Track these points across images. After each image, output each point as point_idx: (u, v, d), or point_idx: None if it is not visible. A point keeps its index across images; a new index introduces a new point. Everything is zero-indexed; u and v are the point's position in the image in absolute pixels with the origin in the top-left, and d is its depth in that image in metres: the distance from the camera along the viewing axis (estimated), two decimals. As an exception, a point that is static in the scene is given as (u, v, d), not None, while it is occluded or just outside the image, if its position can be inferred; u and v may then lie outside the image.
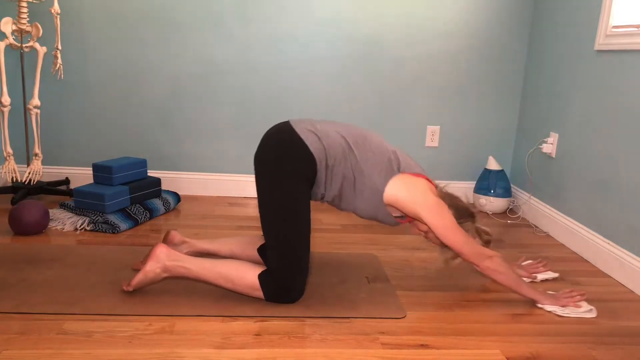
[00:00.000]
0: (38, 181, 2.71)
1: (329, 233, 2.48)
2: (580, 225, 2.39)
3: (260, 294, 1.67)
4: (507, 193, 2.92)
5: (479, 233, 1.83)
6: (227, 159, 3.00)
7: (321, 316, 1.65)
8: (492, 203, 2.90)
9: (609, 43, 2.22)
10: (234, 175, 3.03)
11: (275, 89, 2.93)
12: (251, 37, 2.85)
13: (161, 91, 2.89)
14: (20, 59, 2.71)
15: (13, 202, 2.54)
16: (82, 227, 2.33)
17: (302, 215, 1.65)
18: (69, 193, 2.70)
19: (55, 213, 2.42)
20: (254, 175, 2.67)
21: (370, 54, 2.92)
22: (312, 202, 2.98)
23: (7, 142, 2.60)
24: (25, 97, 2.68)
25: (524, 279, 1.98)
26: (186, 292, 1.75)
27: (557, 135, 2.63)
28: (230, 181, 3.03)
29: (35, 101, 2.63)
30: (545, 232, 2.65)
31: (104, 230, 2.32)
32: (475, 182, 3.07)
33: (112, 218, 2.34)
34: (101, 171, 2.49)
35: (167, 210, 2.67)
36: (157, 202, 2.61)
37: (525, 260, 2.15)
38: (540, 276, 2.04)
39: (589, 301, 1.87)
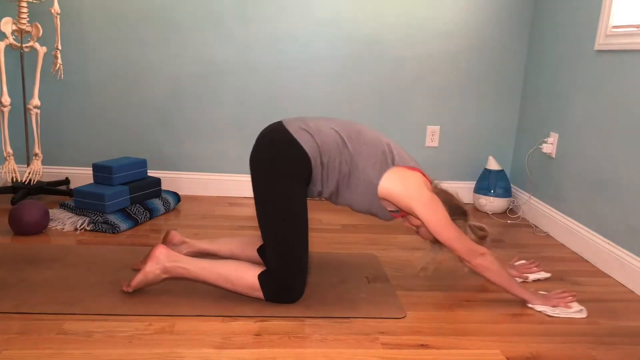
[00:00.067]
0: (38, 181, 2.71)
1: (329, 233, 2.48)
2: (580, 225, 2.39)
3: (260, 294, 1.67)
4: (507, 193, 2.92)
5: (472, 230, 1.82)
6: (227, 159, 3.00)
7: (321, 316, 1.65)
8: (492, 203, 2.90)
9: (609, 43, 2.22)
10: (234, 175, 3.03)
11: (275, 89, 2.93)
12: (251, 37, 2.85)
13: (161, 91, 2.89)
14: (20, 59, 2.71)
15: (13, 202, 2.54)
16: (82, 227, 2.33)
17: (299, 215, 1.65)
18: (69, 193, 2.70)
19: (55, 213, 2.42)
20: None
21: (370, 54, 2.92)
22: (311, 202, 2.98)
23: (7, 142, 2.60)
24: (25, 97, 2.68)
25: (516, 278, 1.97)
26: (186, 292, 1.75)
27: (557, 135, 2.63)
28: (230, 181, 3.03)
29: (35, 101, 2.63)
30: (545, 232, 2.65)
31: (104, 230, 2.32)
32: (475, 182, 3.07)
33: (112, 218, 2.34)
34: (101, 171, 2.50)
35: (167, 210, 2.67)
36: (157, 202, 2.61)
37: (518, 260, 2.15)
38: (532, 276, 2.04)
39: (588, 301, 1.87)
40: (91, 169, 2.89)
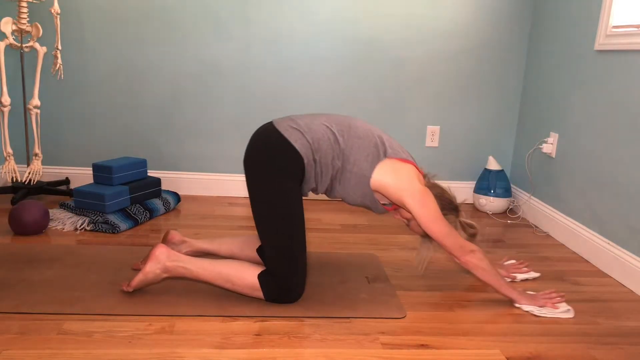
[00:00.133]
0: (38, 181, 2.71)
1: (329, 233, 2.48)
2: (580, 225, 2.39)
3: (260, 294, 1.67)
4: (507, 193, 2.92)
5: (462, 227, 1.82)
6: (227, 159, 3.00)
7: (321, 316, 1.65)
8: (492, 203, 2.90)
9: (609, 43, 2.22)
10: (234, 175, 3.03)
11: (275, 89, 2.93)
12: (251, 37, 2.85)
13: (161, 91, 2.89)
14: (20, 59, 2.71)
15: (13, 202, 2.54)
16: (82, 227, 2.33)
17: (295, 214, 1.65)
18: (69, 193, 2.70)
19: (55, 213, 2.42)
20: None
21: (371, 54, 2.92)
22: (311, 202, 2.98)
23: (7, 142, 2.60)
24: (25, 97, 2.68)
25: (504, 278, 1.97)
26: (186, 292, 1.75)
27: (557, 135, 2.63)
28: (230, 181, 3.03)
29: (35, 101, 2.63)
30: (545, 232, 2.65)
31: (104, 230, 2.32)
32: (475, 182, 3.07)
33: (112, 218, 2.34)
34: (101, 171, 2.50)
35: (167, 210, 2.67)
36: (157, 202, 2.61)
37: (508, 260, 2.15)
38: (521, 276, 2.04)
39: (588, 301, 1.87)
40: (91, 169, 2.90)
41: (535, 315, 1.73)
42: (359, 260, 2.14)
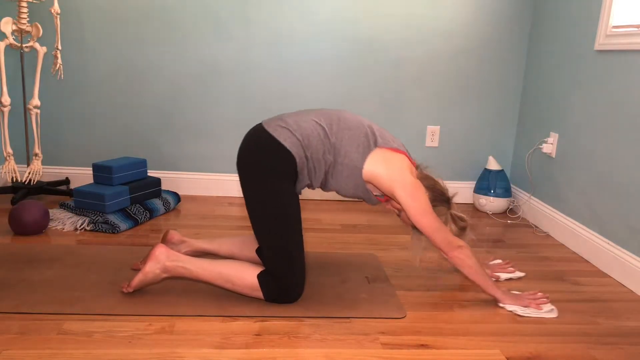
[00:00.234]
0: (38, 181, 2.71)
1: (329, 233, 2.48)
2: (580, 225, 2.39)
3: (259, 294, 1.67)
4: (507, 193, 2.92)
5: (453, 219, 1.81)
6: (227, 159, 3.00)
7: (321, 316, 1.65)
8: (492, 203, 2.90)
9: (609, 43, 2.22)
10: (234, 176, 3.03)
11: (275, 90, 2.93)
12: (251, 37, 2.85)
13: (161, 91, 2.89)
14: (20, 59, 2.71)
15: (13, 202, 2.54)
16: (82, 227, 2.33)
17: (290, 214, 1.65)
18: (69, 193, 2.70)
19: (55, 213, 2.42)
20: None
21: (370, 54, 2.92)
22: (311, 202, 2.98)
23: (7, 142, 2.60)
24: (25, 97, 2.68)
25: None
26: (186, 292, 1.75)
27: (557, 135, 2.63)
28: (230, 181, 3.03)
29: (35, 101, 2.63)
30: (545, 232, 2.65)
31: (104, 230, 2.32)
32: (475, 182, 3.07)
33: (112, 218, 2.34)
34: (101, 171, 2.50)
35: (167, 210, 2.67)
36: (157, 202, 2.61)
37: (494, 260, 2.16)
38: (504, 275, 2.04)
39: (588, 301, 1.87)
40: (91, 169, 2.90)
41: (519, 315, 1.73)
42: (359, 260, 2.14)
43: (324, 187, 1.78)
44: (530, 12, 2.93)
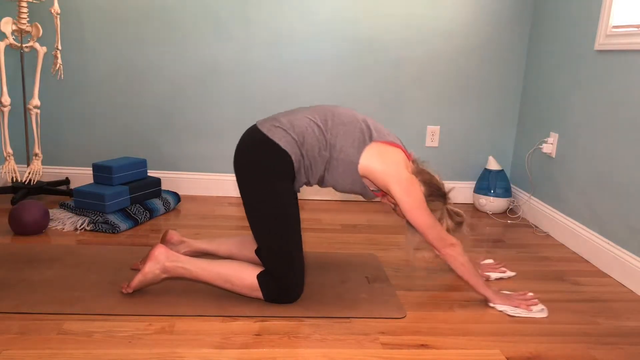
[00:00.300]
0: (38, 181, 2.71)
1: (329, 233, 2.48)
2: (580, 225, 2.39)
3: (259, 294, 1.67)
4: (507, 193, 2.92)
5: (449, 214, 1.80)
6: (227, 159, 3.00)
7: (321, 316, 1.65)
8: (492, 203, 2.90)
9: (609, 43, 2.22)
10: (234, 176, 3.02)
11: (275, 90, 2.93)
12: (251, 37, 2.85)
13: (161, 91, 2.89)
14: (20, 59, 2.71)
15: (13, 202, 2.54)
16: (82, 227, 2.33)
17: (288, 214, 1.65)
18: (69, 193, 2.70)
19: (55, 213, 2.42)
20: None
21: (370, 54, 2.92)
22: (311, 202, 2.98)
23: (7, 142, 2.60)
24: (25, 97, 2.68)
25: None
26: (186, 292, 1.75)
27: (557, 135, 2.63)
28: (230, 181, 3.02)
29: (35, 101, 2.63)
30: (545, 232, 2.65)
31: (104, 230, 2.32)
32: (475, 182, 3.07)
33: (112, 218, 2.34)
34: (101, 171, 2.50)
35: (167, 210, 2.67)
36: (157, 202, 2.61)
37: (485, 260, 2.16)
38: (494, 275, 2.04)
39: (588, 301, 1.87)
40: (91, 169, 2.90)
41: (509, 315, 1.73)
42: (359, 260, 2.14)
43: (321, 183, 1.77)
44: (530, 12, 2.93)
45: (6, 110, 2.57)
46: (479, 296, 1.85)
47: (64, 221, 2.36)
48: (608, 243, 2.18)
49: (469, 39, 2.94)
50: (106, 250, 2.09)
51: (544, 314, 1.75)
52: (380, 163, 1.67)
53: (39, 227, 2.24)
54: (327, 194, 3.08)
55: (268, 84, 2.91)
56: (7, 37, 2.53)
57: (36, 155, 2.68)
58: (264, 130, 1.67)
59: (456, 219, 1.81)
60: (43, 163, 2.90)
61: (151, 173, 2.97)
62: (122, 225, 2.34)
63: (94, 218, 2.34)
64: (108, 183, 2.48)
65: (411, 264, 2.13)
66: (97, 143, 2.94)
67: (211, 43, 2.84)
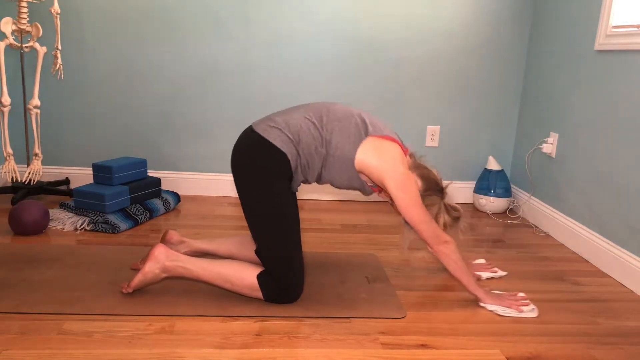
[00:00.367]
0: (38, 181, 2.71)
1: (329, 233, 2.48)
2: (580, 225, 2.39)
3: (259, 294, 1.67)
4: (507, 193, 2.92)
5: (446, 209, 1.80)
6: (227, 159, 3.00)
7: (321, 316, 1.65)
8: (492, 203, 2.90)
9: (609, 43, 2.22)
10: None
11: (275, 90, 2.93)
12: (251, 37, 2.85)
13: (161, 91, 2.89)
14: (20, 59, 2.71)
15: (13, 202, 2.54)
16: (82, 227, 2.33)
17: (287, 214, 1.65)
18: (69, 193, 2.70)
19: (55, 213, 2.42)
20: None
21: (370, 54, 2.92)
22: (311, 202, 2.98)
23: (7, 142, 2.60)
24: (25, 97, 2.68)
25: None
26: (186, 292, 1.75)
27: (557, 135, 2.63)
28: (230, 181, 3.02)
29: (35, 101, 2.63)
30: (545, 232, 2.65)
31: (104, 230, 2.32)
32: (475, 182, 3.07)
33: (112, 218, 2.34)
34: (101, 171, 2.50)
35: (167, 210, 2.67)
36: (157, 202, 2.61)
37: (477, 259, 2.16)
38: (485, 274, 2.04)
39: (588, 301, 1.87)
40: (91, 169, 2.90)
41: (499, 315, 1.73)
42: (359, 260, 2.14)
43: (319, 180, 1.77)
44: (530, 12, 2.93)
45: (6, 110, 2.57)
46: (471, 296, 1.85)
47: (64, 221, 2.36)
48: (608, 243, 2.18)
49: (469, 39, 2.94)
50: (106, 250, 2.09)
51: (535, 314, 1.75)
52: (376, 158, 1.67)
53: (39, 227, 2.24)
54: (327, 193, 3.08)
55: (268, 84, 2.91)
56: (7, 37, 2.53)
57: (36, 155, 2.68)
58: (259, 131, 1.67)
59: (453, 214, 1.81)
60: (43, 163, 2.90)
61: (151, 173, 2.97)
62: (122, 225, 2.34)
63: (94, 218, 2.34)
64: (108, 183, 2.48)
65: (411, 264, 2.13)
66: (97, 143, 2.94)
67: (211, 43, 2.84)
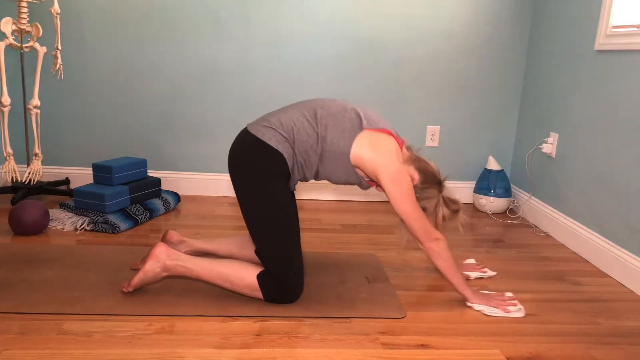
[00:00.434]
0: (38, 181, 2.71)
1: (329, 233, 2.48)
2: (580, 225, 2.39)
3: (259, 294, 1.67)
4: (507, 193, 2.92)
5: (445, 202, 1.79)
6: (226, 159, 3.00)
7: (321, 316, 1.65)
8: (492, 203, 2.90)
9: (609, 43, 2.22)
10: (234, 175, 3.02)
11: (275, 90, 2.93)
12: (251, 37, 2.85)
13: (161, 91, 2.89)
14: (20, 59, 2.71)
15: (13, 202, 2.54)
16: (82, 227, 2.33)
17: (285, 215, 1.65)
18: (69, 193, 2.70)
19: (55, 213, 2.42)
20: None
21: (370, 54, 2.92)
22: (311, 202, 2.98)
23: (7, 142, 2.60)
24: (25, 97, 2.68)
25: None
26: (186, 292, 1.75)
27: (557, 135, 2.63)
28: (229, 181, 3.02)
29: (35, 101, 2.63)
30: (545, 232, 2.65)
31: (104, 230, 2.32)
32: (475, 182, 3.07)
33: (112, 218, 2.34)
34: (101, 171, 2.50)
35: (167, 210, 2.67)
36: (157, 202, 2.61)
37: (467, 259, 2.16)
38: (474, 274, 2.04)
39: (588, 301, 1.87)
40: (91, 169, 2.90)
41: (486, 315, 1.73)
42: (359, 260, 2.14)
43: (316, 177, 1.76)
44: (530, 12, 2.93)
45: (6, 110, 2.57)
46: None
47: (64, 221, 2.36)
48: (608, 243, 2.18)
49: (469, 39, 2.94)
50: (106, 250, 2.09)
51: (521, 314, 1.74)
52: (370, 151, 1.66)
53: (39, 227, 2.24)
54: (327, 193, 3.08)
55: (268, 84, 2.91)
56: (7, 37, 2.53)
57: (36, 155, 2.68)
58: (254, 132, 1.67)
59: (452, 207, 1.80)
60: (43, 163, 2.90)
61: (151, 173, 2.97)
62: (122, 225, 2.34)
63: (94, 218, 2.34)
64: (108, 183, 2.48)
65: (412, 264, 2.13)
66: (97, 143, 2.94)
67: (211, 43, 2.84)
